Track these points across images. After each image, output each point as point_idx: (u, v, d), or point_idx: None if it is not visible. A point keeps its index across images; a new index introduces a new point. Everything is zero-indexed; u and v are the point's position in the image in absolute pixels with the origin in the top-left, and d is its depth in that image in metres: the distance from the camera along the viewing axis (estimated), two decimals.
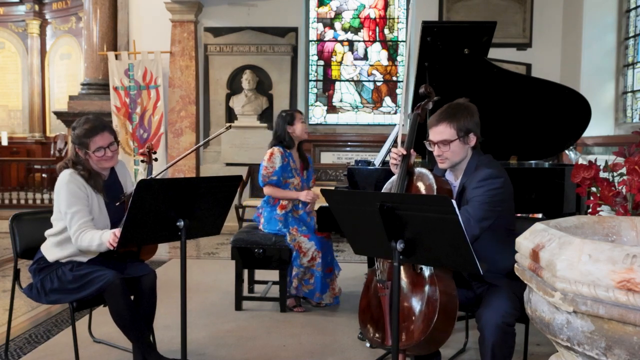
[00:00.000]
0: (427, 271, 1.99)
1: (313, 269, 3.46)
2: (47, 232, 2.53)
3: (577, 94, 3.44)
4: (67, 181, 2.41)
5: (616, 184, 2.41)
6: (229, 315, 3.48)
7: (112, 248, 2.29)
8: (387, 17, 7.28)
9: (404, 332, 1.96)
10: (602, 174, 2.50)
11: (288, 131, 3.59)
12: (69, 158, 2.51)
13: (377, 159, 3.31)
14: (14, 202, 7.04)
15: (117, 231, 2.26)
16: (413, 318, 1.97)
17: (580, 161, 3.57)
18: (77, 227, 2.37)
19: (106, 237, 2.31)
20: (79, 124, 2.49)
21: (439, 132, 2.17)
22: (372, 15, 7.29)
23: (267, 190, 3.60)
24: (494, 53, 4.22)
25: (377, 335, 2.08)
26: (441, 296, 1.91)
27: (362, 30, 7.31)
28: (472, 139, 2.19)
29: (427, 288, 1.96)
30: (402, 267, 2.01)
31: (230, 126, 3.82)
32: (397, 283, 1.73)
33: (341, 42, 7.33)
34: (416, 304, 1.99)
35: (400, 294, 1.95)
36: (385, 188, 2.33)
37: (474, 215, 2.07)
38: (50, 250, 2.49)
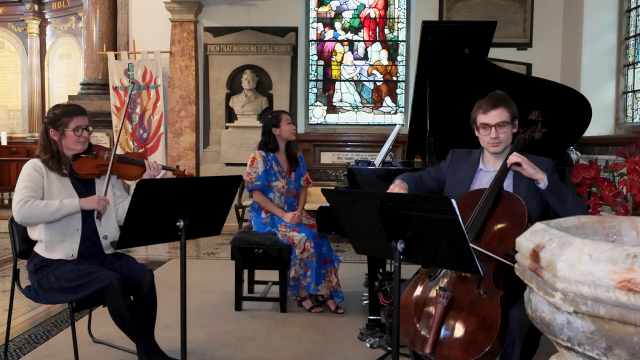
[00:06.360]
0: (492, 295, 1.90)
1: (309, 260, 3.45)
2: (31, 236, 2.56)
3: (577, 94, 3.43)
4: (26, 166, 2.50)
5: (617, 184, 2.41)
6: (229, 315, 3.48)
7: (96, 208, 2.48)
8: (387, 17, 7.27)
9: (447, 346, 1.85)
10: (603, 174, 2.50)
11: (274, 133, 3.60)
12: (38, 147, 2.60)
13: (377, 159, 3.31)
14: None
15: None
16: (462, 337, 1.85)
17: (581, 161, 3.56)
18: (23, 197, 2.39)
19: (71, 202, 2.43)
20: (58, 107, 2.61)
21: (498, 114, 2.24)
22: (372, 15, 7.29)
23: (255, 196, 3.63)
24: (494, 53, 4.22)
25: (414, 335, 1.96)
26: (502, 324, 1.83)
27: (362, 30, 7.31)
28: (516, 126, 2.32)
29: (490, 312, 1.85)
30: (466, 285, 1.95)
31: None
32: (397, 283, 1.73)
33: (341, 42, 7.32)
34: (473, 325, 1.86)
35: (460, 308, 1.90)
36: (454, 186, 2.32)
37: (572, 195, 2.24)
38: (42, 250, 2.50)
